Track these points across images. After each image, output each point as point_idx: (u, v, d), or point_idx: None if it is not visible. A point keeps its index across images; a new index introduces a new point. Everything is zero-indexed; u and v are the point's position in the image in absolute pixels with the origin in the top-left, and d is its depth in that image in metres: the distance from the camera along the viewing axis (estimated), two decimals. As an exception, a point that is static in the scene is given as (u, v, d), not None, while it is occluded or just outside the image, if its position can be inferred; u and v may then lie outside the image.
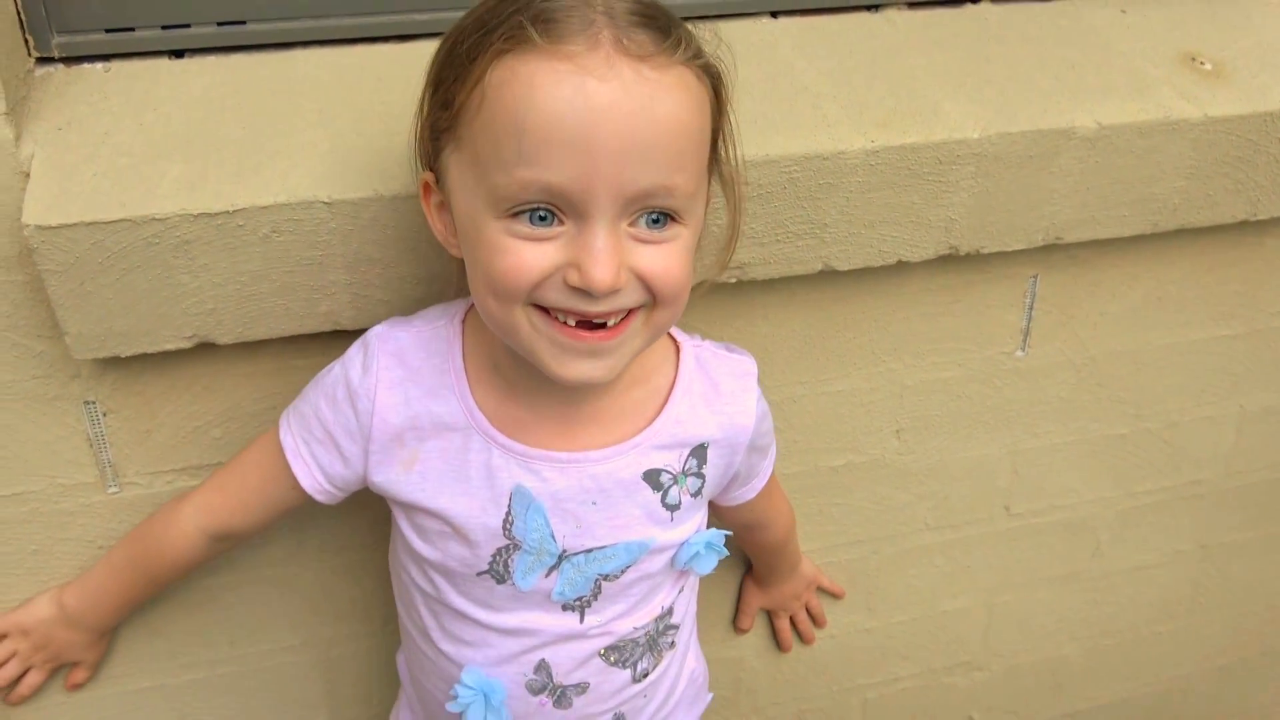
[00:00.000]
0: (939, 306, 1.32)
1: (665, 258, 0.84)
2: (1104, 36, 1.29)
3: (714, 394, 1.02)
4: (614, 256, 0.80)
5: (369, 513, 1.20)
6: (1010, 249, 1.24)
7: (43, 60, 1.08)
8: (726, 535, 1.06)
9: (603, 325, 0.85)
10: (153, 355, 1.07)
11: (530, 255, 0.81)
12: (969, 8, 1.32)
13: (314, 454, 1.01)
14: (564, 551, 0.98)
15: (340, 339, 1.11)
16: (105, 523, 1.17)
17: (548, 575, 0.99)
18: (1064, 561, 1.59)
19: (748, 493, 1.14)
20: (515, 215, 0.81)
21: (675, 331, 1.04)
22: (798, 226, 1.13)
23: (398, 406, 0.97)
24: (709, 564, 1.06)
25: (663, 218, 0.83)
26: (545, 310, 0.84)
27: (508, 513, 0.97)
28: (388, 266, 1.05)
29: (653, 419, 0.99)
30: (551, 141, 0.78)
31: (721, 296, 1.21)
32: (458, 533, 0.98)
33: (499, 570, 0.99)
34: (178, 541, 1.09)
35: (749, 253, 1.14)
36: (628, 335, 0.86)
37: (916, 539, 1.49)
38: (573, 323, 0.84)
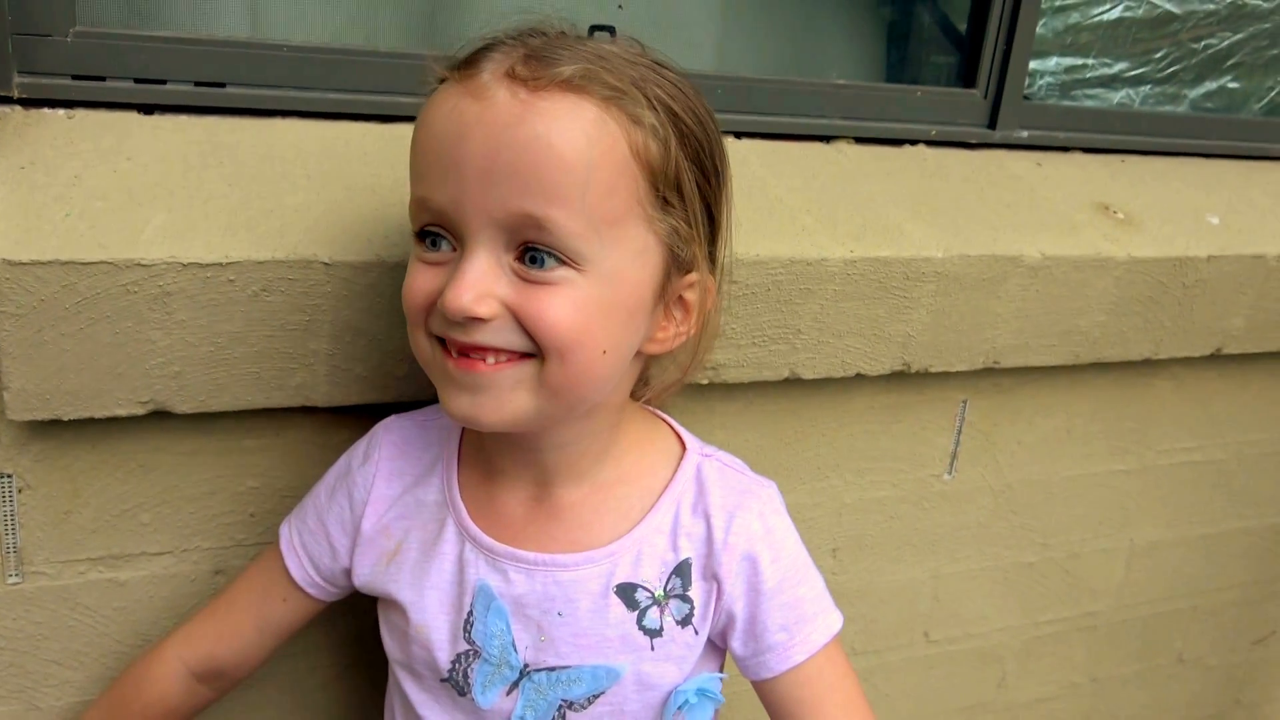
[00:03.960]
0: (880, 425, 1.35)
1: (545, 299, 0.77)
2: (1026, 183, 1.41)
3: (701, 507, 0.92)
4: (477, 282, 0.77)
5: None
6: (954, 369, 1.29)
7: (-3, 100, 1.00)
8: (721, 678, 0.94)
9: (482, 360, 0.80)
10: (89, 424, 0.97)
11: (421, 278, 0.81)
12: (907, 148, 1.42)
13: (305, 544, 0.97)
14: (526, 666, 0.90)
15: (301, 419, 1.05)
16: (-2, 619, 1.02)
17: (509, 693, 0.91)
18: (974, 691, 1.61)
19: (771, 662, 0.91)
20: (421, 239, 0.81)
21: (688, 437, 0.97)
22: (774, 330, 1.15)
23: (391, 497, 0.95)
24: (703, 715, 0.92)
25: (544, 255, 0.77)
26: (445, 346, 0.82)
27: (470, 613, 0.91)
28: (374, 339, 0.99)
29: (635, 524, 0.91)
30: (429, 157, 0.79)
31: (683, 402, 1.20)
32: (421, 629, 0.92)
33: (458, 680, 0.92)
34: (156, 680, 0.98)
35: (725, 354, 1.15)
36: (506, 378, 0.80)
37: (843, 664, 1.47)
38: (455, 354, 0.80)
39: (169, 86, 1.06)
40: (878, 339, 1.22)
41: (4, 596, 1.01)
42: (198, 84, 1.07)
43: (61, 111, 1.02)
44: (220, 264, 0.91)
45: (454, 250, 0.80)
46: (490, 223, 0.76)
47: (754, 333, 1.14)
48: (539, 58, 0.78)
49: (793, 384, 1.24)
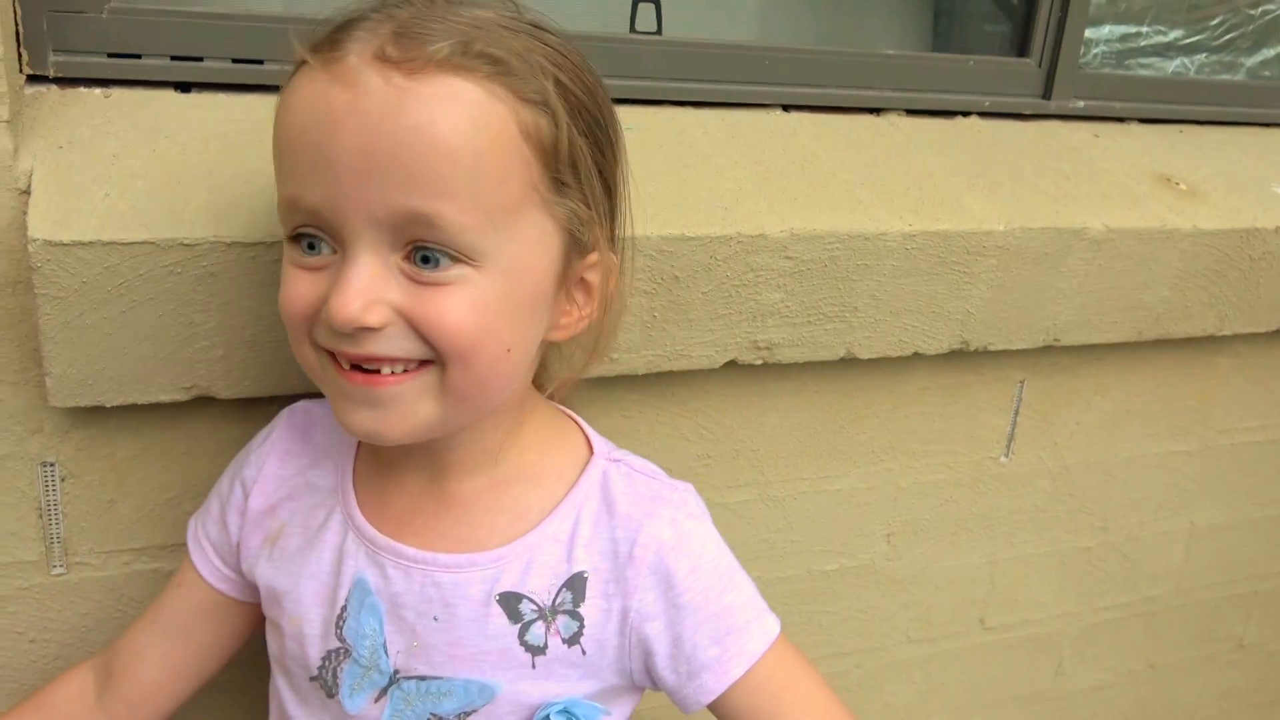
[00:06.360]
0: (936, 406, 1.31)
1: (441, 302, 0.71)
2: (1085, 154, 1.36)
3: (606, 517, 0.84)
4: (364, 289, 0.70)
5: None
6: (1013, 348, 1.25)
7: (34, 79, 0.98)
8: (602, 711, 0.84)
9: (377, 372, 0.73)
10: (132, 411, 0.95)
11: (300, 286, 0.73)
12: (960, 119, 1.37)
13: (208, 534, 0.91)
14: (396, 672, 0.83)
15: (347, 403, 1.01)
16: (43, 611, 1.00)
17: (376, 700, 0.83)
18: (1030, 680, 1.57)
19: (709, 682, 0.83)
20: (295, 241, 0.74)
21: (597, 440, 0.89)
22: (830, 308, 1.12)
23: (283, 477, 0.89)
24: None
25: (435, 254, 0.71)
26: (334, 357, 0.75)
27: (344, 608, 0.84)
28: (422, 320, 0.96)
29: (530, 529, 0.83)
30: (298, 154, 0.71)
31: (738, 383, 1.17)
32: (295, 621, 0.86)
33: (327, 679, 0.85)
34: (59, 684, 0.93)
35: (781, 333, 1.11)
36: (408, 391, 0.73)
37: (898, 652, 1.44)
38: (348, 366, 0.73)
39: (206, 63, 1.03)
40: (936, 316, 1.18)
41: (49, 587, 0.99)
42: (235, 60, 1.04)
43: (98, 90, 1.00)
44: (265, 244, 0.88)
45: (334, 253, 0.72)
46: (372, 222, 0.69)
47: (809, 310, 1.11)
48: (410, 35, 0.70)
49: (848, 364, 1.20)
